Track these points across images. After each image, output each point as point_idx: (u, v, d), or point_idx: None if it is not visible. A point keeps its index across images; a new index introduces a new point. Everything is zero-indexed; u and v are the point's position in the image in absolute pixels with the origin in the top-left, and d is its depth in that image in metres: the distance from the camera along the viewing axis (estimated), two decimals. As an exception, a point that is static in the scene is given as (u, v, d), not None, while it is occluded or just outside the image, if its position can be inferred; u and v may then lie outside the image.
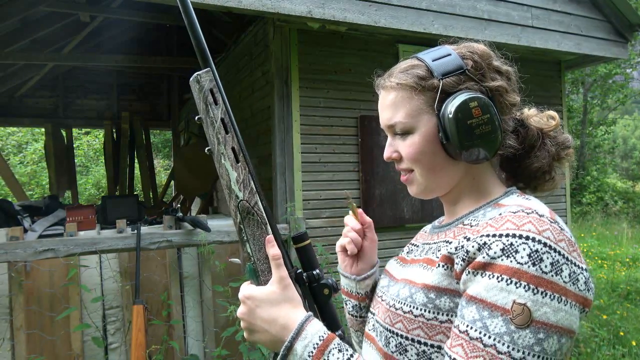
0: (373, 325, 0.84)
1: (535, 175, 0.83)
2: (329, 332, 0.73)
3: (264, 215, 0.78)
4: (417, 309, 0.72)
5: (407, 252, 0.91)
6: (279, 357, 0.73)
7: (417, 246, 0.89)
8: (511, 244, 0.64)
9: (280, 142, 3.46)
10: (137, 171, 8.39)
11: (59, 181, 6.90)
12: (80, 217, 3.21)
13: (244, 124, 4.61)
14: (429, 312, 0.71)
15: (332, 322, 0.80)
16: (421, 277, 0.76)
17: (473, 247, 0.67)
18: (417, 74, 0.79)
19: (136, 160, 7.45)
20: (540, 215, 0.67)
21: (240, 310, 0.78)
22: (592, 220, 12.79)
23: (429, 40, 3.69)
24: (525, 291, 0.61)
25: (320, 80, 3.65)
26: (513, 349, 0.60)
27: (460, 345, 0.63)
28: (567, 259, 0.64)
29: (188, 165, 6.10)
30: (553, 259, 0.62)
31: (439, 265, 0.73)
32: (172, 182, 8.80)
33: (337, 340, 0.72)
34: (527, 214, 0.67)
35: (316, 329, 0.73)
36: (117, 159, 6.93)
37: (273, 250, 0.77)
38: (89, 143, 14.76)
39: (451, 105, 0.75)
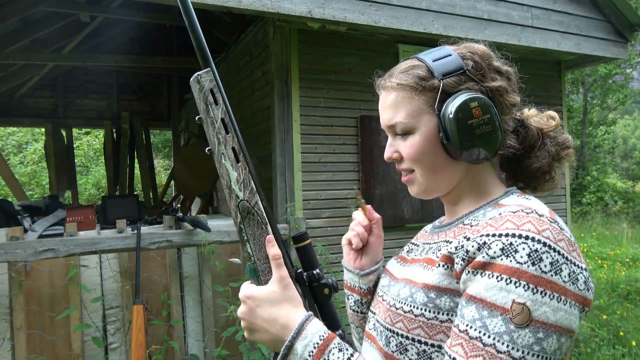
0: (374, 324, 0.84)
1: (535, 175, 0.84)
2: (329, 332, 0.74)
3: (264, 215, 0.78)
4: (417, 308, 0.73)
5: (407, 252, 0.91)
6: (279, 356, 0.73)
7: (418, 245, 0.89)
8: (511, 244, 0.64)
9: (280, 142, 3.46)
10: (137, 171, 8.39)
11: (59, 181, 6.89)
12: (80, 217, 3.21)
13: (244, 124, 4.62)
14: (429, 311, 0.71)
15: (332, 321, 0.80)
16: (421, 276, 0.76)
17: (473, 246, 0.67)
18: (417, 74, 0.79)
19: (136, 160, 7.45)
20: (540, 215, 0.67)
21: (241, 310, 0.78)
22: (592, 220, 12.79)
23: (429, 40, 3.69)
24: (525, 291, 0.61)
25: (320, 80, 3.65)
26: (512, 348, 0.60)
27: (460, 345, 0.64)
28: (566, 258, 0.64)
29: (188, 165, 6.10)
30: (552, 258, 0.63)
31: (439, 264, 0.73)
32: (172, 182, 8.80)
33: (337, 339, 0.73)
34: (527, 213, 0.67)
35: (316, 328, 0.73)
36: (117, 159, 6.93)
37: (273, 250, 0.77)
38: (89, 143, 14.76)
39: (452, 106, 0.75)
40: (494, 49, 0.83)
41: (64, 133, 7.62)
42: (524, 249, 0.63)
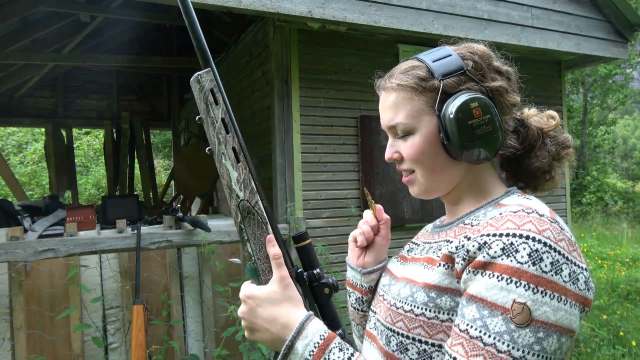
0: (374, 323, 0.84)
1: (536, 174, 0.84)
2: (330, 331, 0.74)
3: (265, 214, 0.78)
4: (418, 308, 0.73)
5: (408, 251, 0.91)
6: (280, 356, 0.73)
7: (418, 245, 0.89)
8: (511, 244, 0.64)
9: (280, 142, 3.46)
10: (137, 171, 8.39)
11: (59, 181, 6.89)
12: (80, 217, 3.21)
13: (244, 124, 4.62)
14: (430, 311, 0.71)
15: (332, 321, 0.80)
16: (422, 276, 0.76)
17: (473, 246, 0.67)
18: (417, 74, 0.79)
19: (136, 160, 7.45)
20: (541, 215, 0.67)
21: (241, 310, 0.78)
22: (592, 220, 12.79)
23: (429, 40, 3.70)
24: (525, 290, 0.61)
25: (320, 80, 3.65)
26: (513, 347, 0.60)
27: (460, 344, 0.64)
28: (567, 258, 0.64)
29: (188, 165, 6.10)
30: (553, 258, 0.63)
31: (439, 264, 0.73)
32: (172, 182, 8.80)
33: (337, 339, 0.73)
34: (528, 213, 0.68)
35: (317, 328, 0.73)
36: (117, 159, 6.93)
37: (274, 249, 0.77)
38: (89, 143, 14.76)
39: (452, 106, 0.75)
40: (494, 49, 0.83)
41: (64, 133, 7.62)
42: (524, 248, 0.63)
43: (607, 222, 12.52)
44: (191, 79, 0.78)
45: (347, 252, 0.98)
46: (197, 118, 0.79)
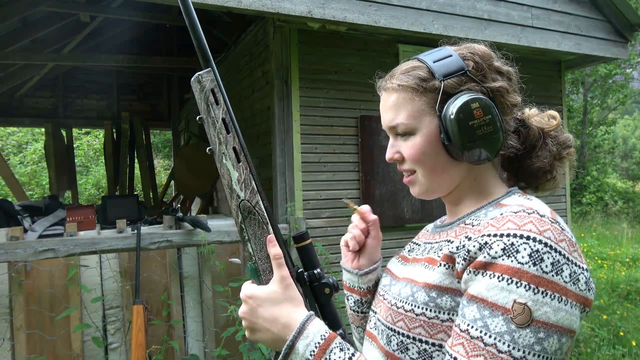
0: (375, 323, 0.85)
1: (537, 175, 0.84)
2: (331, 331, 0.74)
3: (265, 214, 0.78)
4: (418, 307, 0.73)
5: (409, 251, 0.92)
6: (280, 356, 0.73)
7: (419, 245, 0.89)
8: (512, 244, 0.64)
9: (280, 142, 3.46)
10: (137, 171, 8.39)
11: (59, 181, 6.89)
12: (80, 217, 3.21)
13: (244, 124, 4.62)
14: (431, 310, 0.71)
15: (333, 321, 0.80)
16: (423, 276, 0.76)
17: (474, 246, 0.67)
18: (418, 75, 0.79)
19: (136, 160, 7.45)
20: (542, 216, 0.67)
21: (242, 310, 0.78)
22: (592, 220, 12.79)
23: (429, 40, 3.70)
24: (526, 291, 0.61)
25: (320, 80, 3.65)
26: (513, 348, 0.60)
27: (461, 344, 0.64)
28: (567, 259, 0.64)
29: (188, 165, 6.10)
30: (554, 259, 0.63)
31: (440, 264, 0.73)
32: (172, 182, 8.80)
33: (338, 339, 0.73)
34: (528, 214, 0.68)
35: (318, 327, 0.73)
36: (117, 159, 6.93)
37: (274, 249, 0.77)
38: (89, 143, 14.76)
39: (453, 107, 0.75)
40: (494, 49, 0.83)
41: (64, 133, 7.62)
42: (525, 249, 0.63)
43: (607, 222, 12.53)
44: (192, 79, 0.78)
45: None
46: (197, 118, 0.79)
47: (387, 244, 3.60)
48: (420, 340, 0.72)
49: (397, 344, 0.75)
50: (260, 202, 0.77)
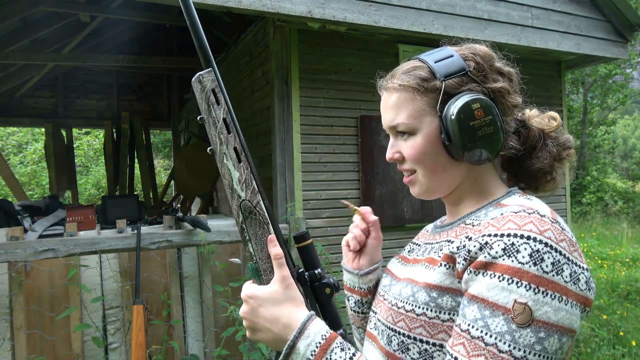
0: (375, 324, 0.85)
1: (537, 175, 0.84)
2: (332, 331, 0.74)
3: (266, 214, 0.78)
4: (419, 307, 0.73)
5: (409, 251, 0.92)
6: (281, 356, 0.73)
7: (419, 245, 0.89)
8: (512, 244, 0.64)
9: (280, 142, 3.46)
10: (137, 171, 8.39)
11: (59, 181, 6.89)
12: (80, 217, 3.21)
13: (244, 124, 4.62)
14: (431, 310, 0.71)
15: (333, 321, 0.80)
16: (423, 276, 0.76)
17: (475, 246, 0.68)
18: (419, 75, 0.79)
19: (136, 160, 7.45)
20: (542, 215, 0.67)
21: (243, 310, 0.78)
22: (592, 220, 12.79)
23: (429, 40, 3.70)
24: (527, 291, 0.61)
25: (320, 80, 3.65)
26: (514, 347, 0.60)
27: (461, 344, 0.64)
28: (568, 258, 0.64)
29: (188, 165, 6.10)
30: (554, 258, 0.63)
31: (441, 264, 0.73)
32: (172, 182, 8.80)
33: (339, 339, 0.73)
34: (529, 214, 0.68)
35: (319, 327, 0.73)
36: (117, 159, 6.93)
37: (275, 249, 0.77)
38: (89, 143, 14.76)
39: (454, 107, 0.75)
40: (495, 49, 0.83)
41: (64, 133, 7.62)
42: (525, 249, 0.63)
43: (607, 222, 12.53)
44: (193, 79, 0.78)
45: None
46: (198, 118, 0.79)
47: (387, 244, 3.60)
48: (421, 341, 0.72)
49: (398, 344, 0.75)
50: (261, 202, 0.78)
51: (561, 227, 0.67)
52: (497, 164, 0.86)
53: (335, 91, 3.69)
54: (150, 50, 7.11)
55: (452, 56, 0.79)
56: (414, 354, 0.73)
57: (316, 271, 0.81)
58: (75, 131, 11.62)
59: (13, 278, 2.59)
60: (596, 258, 8.22)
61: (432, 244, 0.84)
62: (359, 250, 0.94)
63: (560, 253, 0.64)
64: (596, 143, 15.12)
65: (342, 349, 0.71)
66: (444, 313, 0.70)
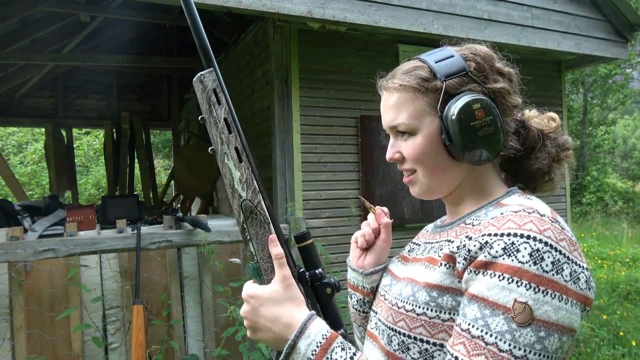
0: (375, 323, 0.85)
1: (535, 176, 0.84)
2: (332, 331, 0.74)
3: (267, 214, 0.78)
4: (419, 307, 0.73)
5: (409, 251, 0.92)
6: (282, 355, 0.73)
7: (419, 245, 0.89)
8: (512, 243, 0.64)
9: (280, 142, 3.47)
10: (137, 171, 8.39)
11: (59, 181, 6.89)
12: (80, 217, 3.21)
13: (244, 124, 4.58)
14: (431, 310, 0.71)
15: (334, 321, 0.80)
16: (423, 275, 0.76)
17: (475, 246, 0.68)
18: (420, 75, 0.79)
19: (136, 160, 7.45)
20: (542, 215, 0.68)
21: (244, 309, 0.78)
22: (592, 220, 12.80)
23: (429, 40, 3.70)
24: (527, 290, 0.61)
25: (320, 80, 3.65)
26: (514, 347, 0.60)
27: (462, 344, 0.64)
28: (568, 258, 0.64)
29: (188, 165, 6.10)
30: (554, 258, 0.63)
31: (441, 264, 0.74)
32: (172, 182, 8.80)
33: (340, 338, 0.73)
34: (529, 213, 0.68)
35: (319, 327, 0.73)
36: (117, 159, 6.93)
37: (276, 249, 0.77)
38: (89, 143, 14.76)
39: (454, 107, 0.75)
40: (495, 50, 0.84)
41: (64, 133, 7.62)
42: (525, 248, 0.63)
43: (607, 222, 12.53)
44: (194, 79, 0.78)
45: (347, 252, 0.98)
46: (199, 118, 0.79)
47: (387, 244, 3.60)
48: (422, 340, 0.72)
49: (398, 344, 0.75)
50: (262, 202, 0.78)
51: (561, 227, 0.67)
52: (496, 164, 0.86)
53: (335, 91, 3.70)
54: (150, 50, 7.11)
55: (452, 56, 0.79)
56: (414, 354, 0.73)
57: (317, 271, 0.81)
58: (75, 131, 11.62)
59: (13, 278, 2.59)
60: (596, 258, 8.22)
61: (432, 243, 0.84)
62: (366, 249, 0.94)
63: (560, 252, 0.64)
64: (596, 143, 15.13)
65: (342, 349, 0.71)
66: (444, 313, 0.70)
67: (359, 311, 0.96)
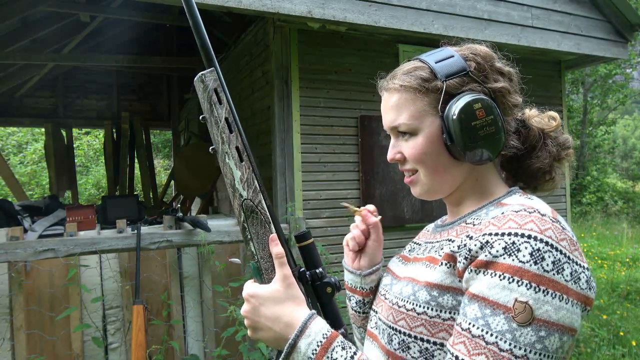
0: (376, 323, 0.85)
1: (536, 175, 0.84)
2: (333, 330, 0.74)
3: (268, 214, 0.78)
4: (420, 306, 0.73)
5: (409, 251, 0.92)
6: (282, 355, 0.73)
7: (420, 245, 0.90)
8: (513, 243, 0.64)
9: (280, 142, 3.47)
10: (137, 171, 8.39)
11: (59, 181, 6.89)
12: (80, 217, 3.21)
13: (244, 124, 4.56)
14: (432, 309, 0.71)
15: (334, 320, 0.80)
16: (424, 275, 0.76)
17: (475, 245, 0.68)
18: (420, 75, 0.79)
19: (136, 160, 7.45)
20: (542, 215, 0.68)
21: (244, 309, 0.78)
22: (592, 220, 12.80)
23: (429, 40, 3.70)
24: (527, 289, 0.61)
25: (320, 80, 3.65)
26: (515, 346, 0.60)
27: (462, 343, 0.64)
28: (568, 257, 0.64)
29: (188, 165, 6.10)
30: (554, 257, 0.63)
31: (441, 263, 0.74)
32: (172, 182, 8.80)
33: (340, 338, 0.73)
34: (529, 213, 0.68)
35: (320, 326, 0.73)
36: (117, 159, 6.92)
37: (277, 248, 0.77)
38: (89, 143, 14.76)
39: (455, 107, 0.75)
40: (495, 49, 0.84)
41: (64, 133, 7.61)
42: (526, 248, 0.63)
43: (607, 222, 12.53)
44: (195, 79, 0.78)
45: None
46: (200, 118, 0.79)
47: (387, 244, 3.59)
48: (422, 339, 0.72)
49: (399, 343, 0.75)
50: (263, 201, 0.78)
51: (562, 226, 0.67)
52: (497, 164, 0.86)
53: (335, 91, 3.70)
54: (150, 50, 7.11)
55: (452, 56, 0.79)
56: (414, 353, 0.73)
57: (317, 270, 0.82)
58: (75, 131, 11.62)
59: (13, 278, 2.59)
60: (596, 258, 8.22)
61: (432, 243, 0.84)
62: (359, 251, 0.94)
63: (561, 252, 0.64)
64: (596, 143, 15.13)
65: (343, 348, 0.71)
66: (445, 312, 0.71)
67: (359, 312, 0.96)
